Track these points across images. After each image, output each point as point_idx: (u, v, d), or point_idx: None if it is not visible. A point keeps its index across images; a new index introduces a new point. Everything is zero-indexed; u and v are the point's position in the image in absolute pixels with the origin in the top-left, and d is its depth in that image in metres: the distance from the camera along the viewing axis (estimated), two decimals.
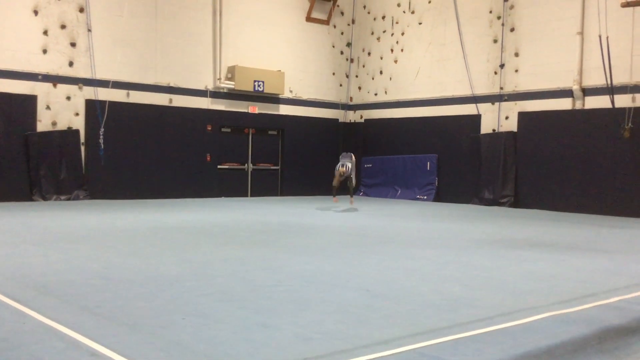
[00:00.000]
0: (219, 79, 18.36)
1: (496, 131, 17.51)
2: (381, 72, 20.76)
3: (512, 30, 17.17)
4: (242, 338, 4.20)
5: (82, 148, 16.08)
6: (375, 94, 20.99)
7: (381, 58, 20.74)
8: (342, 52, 21.45)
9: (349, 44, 21.56)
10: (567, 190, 15.81)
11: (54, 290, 5.54)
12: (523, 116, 16.88)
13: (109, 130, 16.29)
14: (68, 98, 15.87)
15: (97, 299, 5.21)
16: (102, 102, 16.23)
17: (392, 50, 20.39)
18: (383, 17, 20.67)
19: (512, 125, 17.17)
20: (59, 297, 5.27)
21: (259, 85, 18.83)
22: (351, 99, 21.72)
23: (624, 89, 14.71)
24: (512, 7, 17.18)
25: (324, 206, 16.14)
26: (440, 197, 18.74)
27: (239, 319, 4.68)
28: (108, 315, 4.70)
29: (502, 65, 17.39)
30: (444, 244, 9.28)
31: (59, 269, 6.52)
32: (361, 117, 21.49)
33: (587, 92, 15.67)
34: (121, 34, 16.59)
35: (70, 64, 15.88)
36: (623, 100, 14.70)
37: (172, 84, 17.55)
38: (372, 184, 20.62)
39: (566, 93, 15.99)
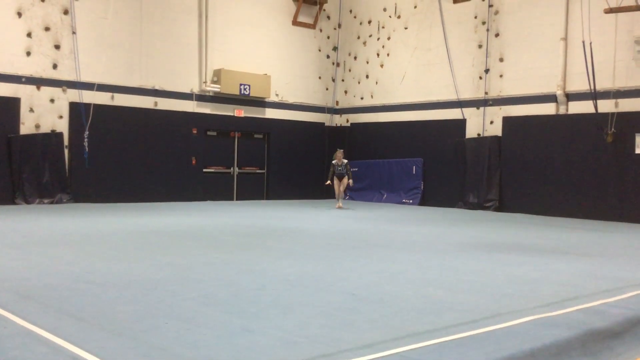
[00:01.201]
0: (205, 82, 18.31)
1: (481, 136, 17.62)
2: (367, 77, 20.82)
3: (496, 35, 17.31)
4: (226, 342, 4.18)
5: (66, 151, 15.95)
6: (362, 98, 21.05)
7: (367, 62, 20.80)
8: (328, 56, 21.49)
9: (335, 48, 21.60)
10: (550, 195, 15.94)
11: (36, 294, 5.48)
12: (507, 121, 17.00)
13: (94, 133, 16.18)
14: (52, 101, 15.75)
15: (79, 303, 5.16)
16: (87, 105, 16.12)
17: (378, 55, 20.46)
18: (369, 22, 20.75)
19: (496, 129, 17.29)
20: (40, 302, 5.21)
21: (245, 89, 18.81)
22: (337, 102, 21.75)
23: (607, 94, 14.87)
24: (496, 12, 17.32)
25: (309, 210, 16.15)
26: (425, 201, 18.81)
27: (222, 323, 4.65)
28: (90, 320, 4.65)
29: (487, 70, 17.52)
30: (428, 247, 9.31)
31: (40, 273, 6.46)
32: (347, 121, 21.53)
33: (570, 97, 15.82)
34: (106, 36, 16.50)
35: (54, 66, 15.76)
36: (606, 106, 14.86)
37: (157, 87, 17.48)
38: (358, 187, 20.60)
39: (550, 98, 16.13)
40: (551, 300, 5.73)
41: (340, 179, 16.93)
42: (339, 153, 16.93)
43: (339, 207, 16.71)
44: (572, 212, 15.40)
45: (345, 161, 16.94)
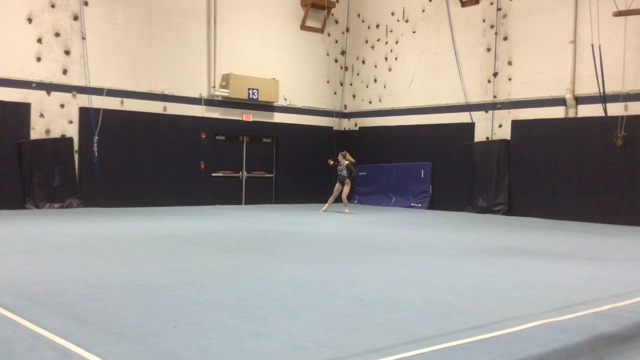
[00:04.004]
0: (214, 86, 18.38)
1: (490, 139, 17.57)
2: (375, 80, 20.83)
3: (505, 39, 17.27)
4: (233, 347, 4.19)
5: (76, 156, 16.05)
6: (370, 102, 21.05)
7: (375, 66, 20.81)
8: (336, 60, 21.51)
9: (343, 52, 21.63)
10: (560, 198, 15.86)
11: (45, 298, 5.51)
12: (516, 124, 16.95)
13: (103, 138, 16.26)
14: (62, 106, 15.85)
15: (88, 308, 5.19)
16: (96, 110, 16.21)
17: (386, 59, 20.46)
18: (377, 26, 20.76)
19: (505, 133, 17.24)
20: (50, 306, 5.24)
21: (253, 93, 18.85)
22: (345, 107, 21.77)
23: (616, 98, 14.80)
24: (505, 16, 17.28)
25: (317, 214, 16.14)
26: (434, 205, 18.77)
27: (230, 328, 4.66)
28: (99, 324, 4.68)
29: (495, 74, 17.47)
30: (436, 252, 9.28)
31: (50, 278, 6.49)
32: (355, 125, 21.53)
33: (579, 100, 15.76)
34: (115, 41, 16.60)
35: (64, 71, 15.87)
36: (616, 109, 14.78)
37: (166, 92, 17.56)
38: (366, 192, 20.64)
39: (559, 101, 16.07)
40: (560, 305, 5.70)
41: (342, 183, 16.54)
42: (340, 155, 16.76)
43: (324, 211, 16.52)
44: (581, 216, 15.31)
45: (346, 162, 16.48)
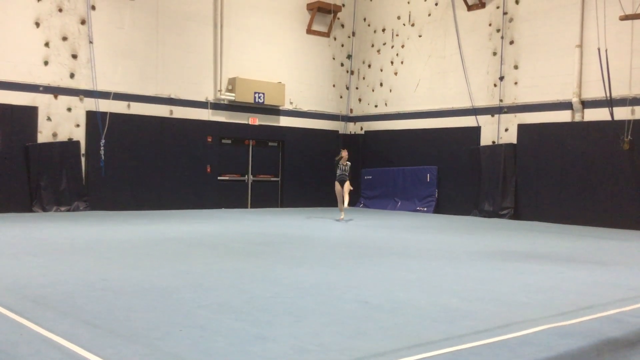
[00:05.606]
0: (220, 90, 18.43)
1: (496, 143, 17.54)
2: (381, 84, 20.84)
3: (511, 42, 17.25)
4: (239, 350, 4.20)
5: (83, 159, 16.11)
6: (376, 106, 21.06)
7: (381, 70, 20.82)
8: (342, 64, 21.54)
9: (349, 56, 21.65)
10: (566, 202, 15.81)
11: (52, 301, 5.54)
12: (523, 128, 16.91)
13: (110, 141, 16.32)
14: (69, 109, 15.92)
15: (95, 310, 5.21)
16: (103, 114, 16.27)
17: (392, 63, 20.48)
18: (383, 30, 20.78)
19: (511, 137, 17.21)
20: (56, 309, 5.26)
21: (259, 97, 18.90)
22: (351, 110, 21.78)
23: (623, 102, 14.76)
24: (511, 20, 17.27)
25: (323, 218, 16.14)
26: (440, 208, 18.74)
27: (236, 331, 4.67)
28: (105, 327, 4.69)
29: (501, 78, 17.45)
30: (442, 255, 9.27)
31: (57, 280, 6.52)
32: (361, 128, 21.54)
33: (586, 104, 15.72)
34: (122, 45, 16.67)
35: (72, 75, 15.94)
36: (622, 113, 14.74)
37: (172, 96, 17.61)
38: (372, 195, 20.63)
39: (565, 105, 16.04)
40: (566, 309, 5.69)
41: (342, 183, 15.24)
42: (344, 153, 15.42)
43: (342, 219, 15.25)
44: (588, 220, 15.26)
45: (348, 163, 15.35)
